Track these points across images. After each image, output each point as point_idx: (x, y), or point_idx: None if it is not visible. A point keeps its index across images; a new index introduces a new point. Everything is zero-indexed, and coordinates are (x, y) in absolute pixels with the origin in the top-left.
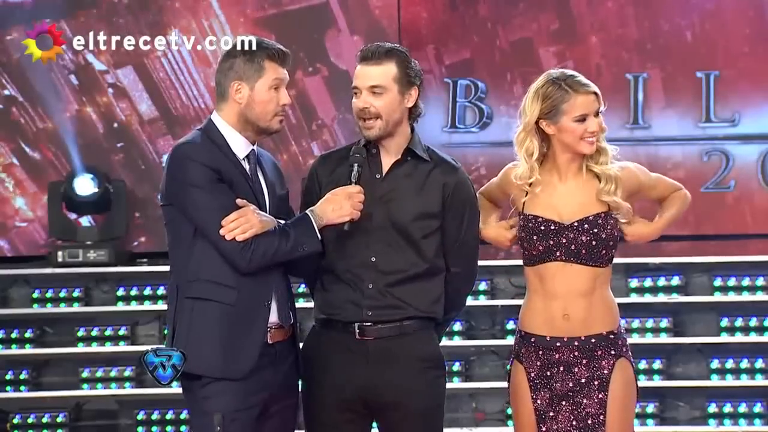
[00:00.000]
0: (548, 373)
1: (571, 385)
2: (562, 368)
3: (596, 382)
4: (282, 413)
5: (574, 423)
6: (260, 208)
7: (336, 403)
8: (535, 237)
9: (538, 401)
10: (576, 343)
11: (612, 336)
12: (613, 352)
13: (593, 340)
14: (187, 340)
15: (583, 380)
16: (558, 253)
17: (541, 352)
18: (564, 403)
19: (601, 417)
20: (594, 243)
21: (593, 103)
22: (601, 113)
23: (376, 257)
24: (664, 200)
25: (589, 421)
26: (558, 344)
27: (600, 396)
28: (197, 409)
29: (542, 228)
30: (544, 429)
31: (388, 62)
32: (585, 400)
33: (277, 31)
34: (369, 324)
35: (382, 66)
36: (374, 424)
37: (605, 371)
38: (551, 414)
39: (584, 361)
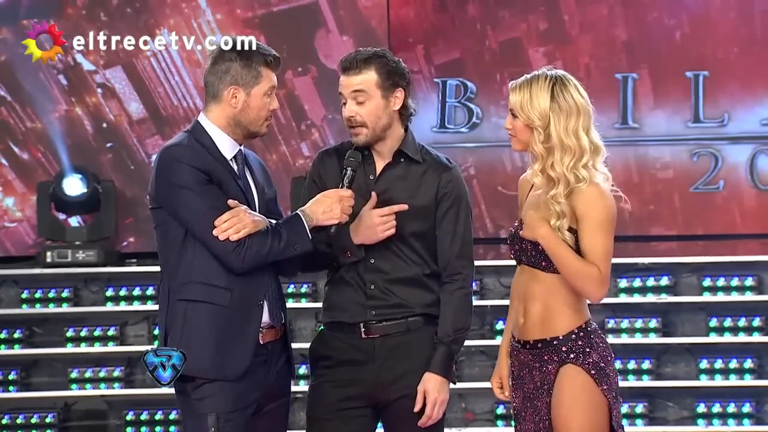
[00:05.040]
0: (520, 374)
1: (531, 387)
2: (526, 370)
3: (545, 387)
4: (275, 412)
5: (530, 426)
6: (250, 207)
7: (343, 400)
8: (509, 242)
9: (516, 401)
10: (528, 347)
11: (555, 342)
12: (556, 358)
13: (539, 345)
14: (181, 343)
15: (538, 383)
16: (523, 258)
17: (514, 353)
18: (528, 404)
19: (547, 422)
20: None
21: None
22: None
23: (375, 259)
24: (584, 255)
25: (542, 425)
26: (518, 346)
27: (548, 400)
28: (191, 410)
29: (512, 231)
30: (519, 428)
31: (367, 70)
32: (538, 403)
33: (266, 32)
34: (374, 322)
35: (362, 75)
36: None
37: (551, 376)
38: (523, 414)
39: (537, 365)
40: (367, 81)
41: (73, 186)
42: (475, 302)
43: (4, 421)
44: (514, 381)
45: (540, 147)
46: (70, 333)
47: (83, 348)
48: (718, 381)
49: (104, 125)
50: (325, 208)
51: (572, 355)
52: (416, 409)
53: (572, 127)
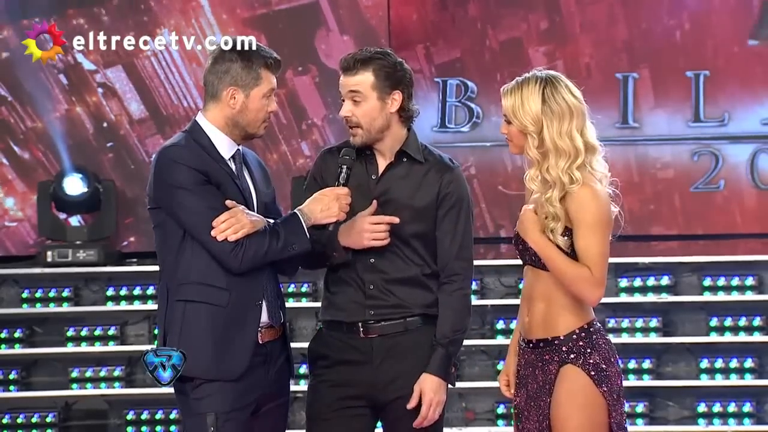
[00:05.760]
0: (525, 373)
1: (535, 386)
2: (531, 369)
3: (547, 386)
4: (274, 412)
5: (534, 425)
6: (248, 207)
7: (341, 400)
8: (513, 242)
9: (518, 399)
10: (531, 346)
11: (556, 342)
12: (556, 359)
13: (541, 345)
14: (180, 343)
15: (540, 382)
16: (526, 258)
17: (521, 351)
18: (532, 403)
19: (548, 422)
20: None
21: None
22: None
23: (374, 258)
24: (579, 257)
25: (545, 424)
26: (523, 345)
27: (549, 400)
28: (190, 410)
29: (515, 230)
30: (520, 427)
31: (364, 71)
32: (541, 403)
33: (266, 31)
34: (372, 322)
35: (358, 76)
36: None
37: (552, 376)
38: (526, 413)
39: (540, 364)
40: (363, 82)
41: (74, 185)
42: (476, 302)
43: (4, 421)
44: (518, 380)
45: (535, 152)
46: (70, 332)
47: (84, 347)
48: (719, 380)
49: (105, 125)
50: (323, 206)
51: (572, 356)
52: (410, 406)
53: (566, 129)
